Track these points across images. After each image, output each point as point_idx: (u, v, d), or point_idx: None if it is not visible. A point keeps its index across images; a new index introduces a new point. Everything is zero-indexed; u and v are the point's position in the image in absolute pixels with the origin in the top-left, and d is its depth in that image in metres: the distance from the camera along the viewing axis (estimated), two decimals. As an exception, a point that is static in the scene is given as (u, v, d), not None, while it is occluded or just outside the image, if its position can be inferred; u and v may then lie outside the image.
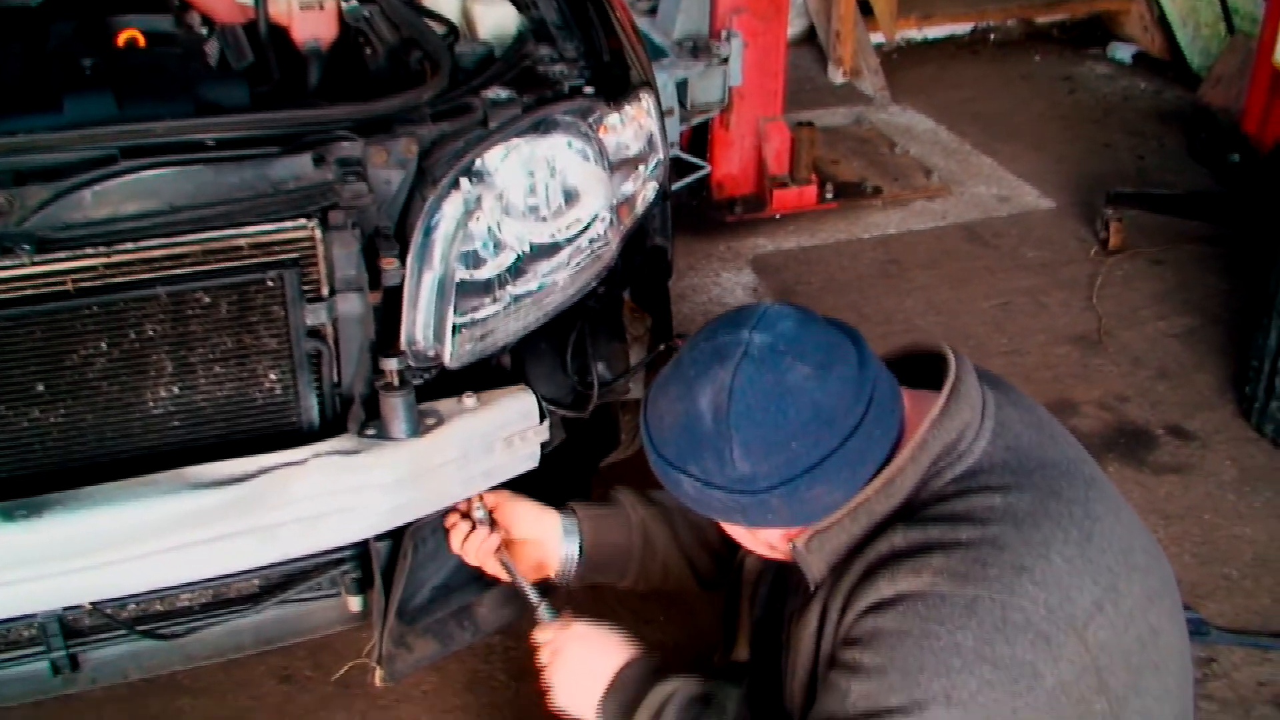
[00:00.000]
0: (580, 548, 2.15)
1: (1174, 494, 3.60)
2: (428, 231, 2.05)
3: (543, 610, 2.03)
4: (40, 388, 1.96)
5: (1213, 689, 2.92)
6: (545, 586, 2.15)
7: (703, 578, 2.22)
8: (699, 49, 4.75)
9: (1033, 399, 1.76)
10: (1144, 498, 3.57)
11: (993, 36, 7.37)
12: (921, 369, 1.70)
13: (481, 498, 2.12)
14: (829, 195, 5.32)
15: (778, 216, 5.24)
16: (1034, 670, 1.45)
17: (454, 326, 2.10)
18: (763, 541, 1.72)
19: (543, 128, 2.16)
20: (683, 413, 1.55)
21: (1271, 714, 2.86)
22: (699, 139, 5.22)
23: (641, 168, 2.40)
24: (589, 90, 2.26)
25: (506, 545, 2.15)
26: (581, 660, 1.92)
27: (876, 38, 6.87)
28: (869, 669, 1.51)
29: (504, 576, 2.13)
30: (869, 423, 1.54)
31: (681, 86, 4.73)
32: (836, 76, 6.71)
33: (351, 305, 2.05)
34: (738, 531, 1.72)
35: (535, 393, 2.19)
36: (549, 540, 2.16)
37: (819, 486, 1.54)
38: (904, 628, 1.49)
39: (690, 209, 5.25)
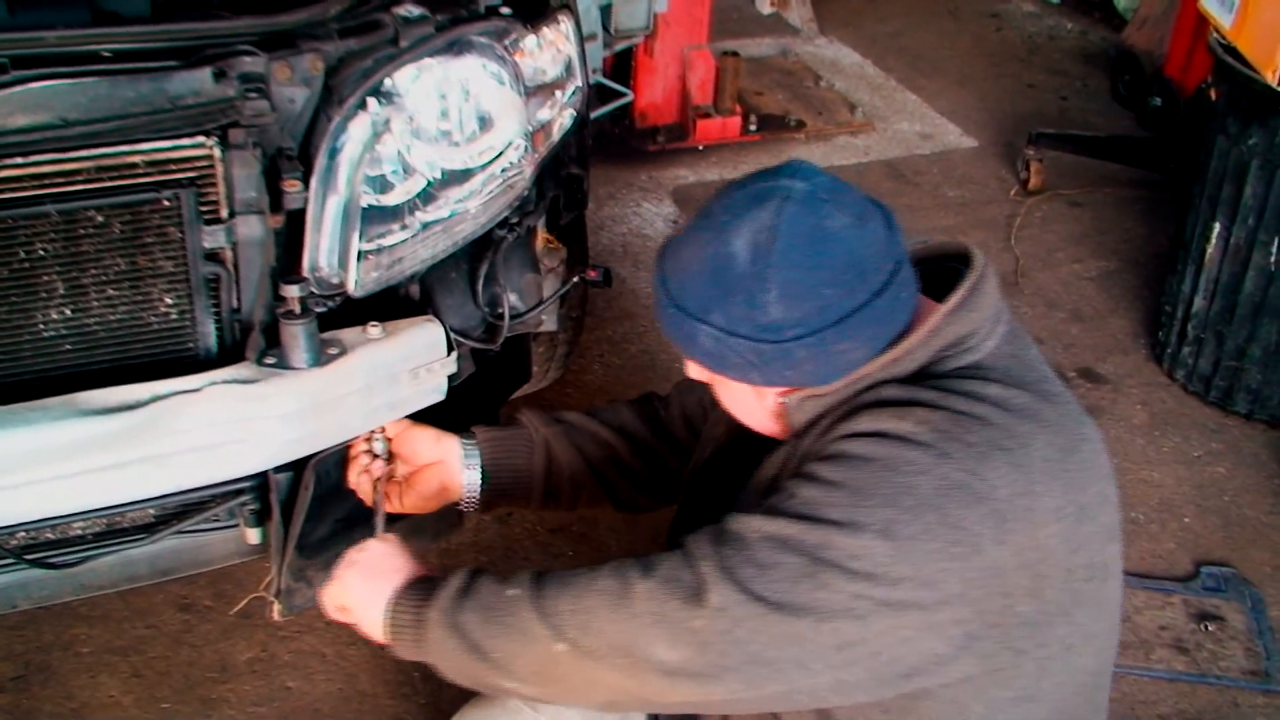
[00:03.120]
0: (482, 472, 2.09)
1: (1084, 436, 3.62)
2: (333, 154, 1.98)
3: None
4: (-77, 307, 1.88)
5: (1115, 631, 2.96)
6: (455, 516, 2.10)
7: (620, 498, 2.17)
8: (624, -28, 4.65)
9: None
10: (1055, 439, 3.58)
11: (922, -29, 7.34)
12: (941, 277, 1.67)
13: (384, 430, 2.07)
14: (752, 127, 5.27)
15: (700, 147, 5.19)
16: (976, 542, 1.44)
17: (359, 253, 2.04)
18: (767, 410, 1.67)
19: (456, 48, 2.09)
20: (713, 256, 1.52)
21: (1171, 657, 2.90)
22: (622, 65, 5.14)
23: (559, 93, 2.34)
24: (505, 11, 2.19)
25: (411, 476, 2.09)
26: (376, 561, 1.79)
27: (805, -32, 6.80)
28: (822, 479, 1.50)
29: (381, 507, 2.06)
30: (898, 283, 1.53)
31: (605, 11, 4.62)
32: (764, 6, 6.63)
33: (251, 228, 1.97)
34: (742, 396, 1.67)
35: (443, 324, 2.13)
36: (451, 465, 2.09)
37: (845, 341, 1.52)
38: (870, 454, 1.48)
39: (612, 137, 5.19)
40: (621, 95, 5.04)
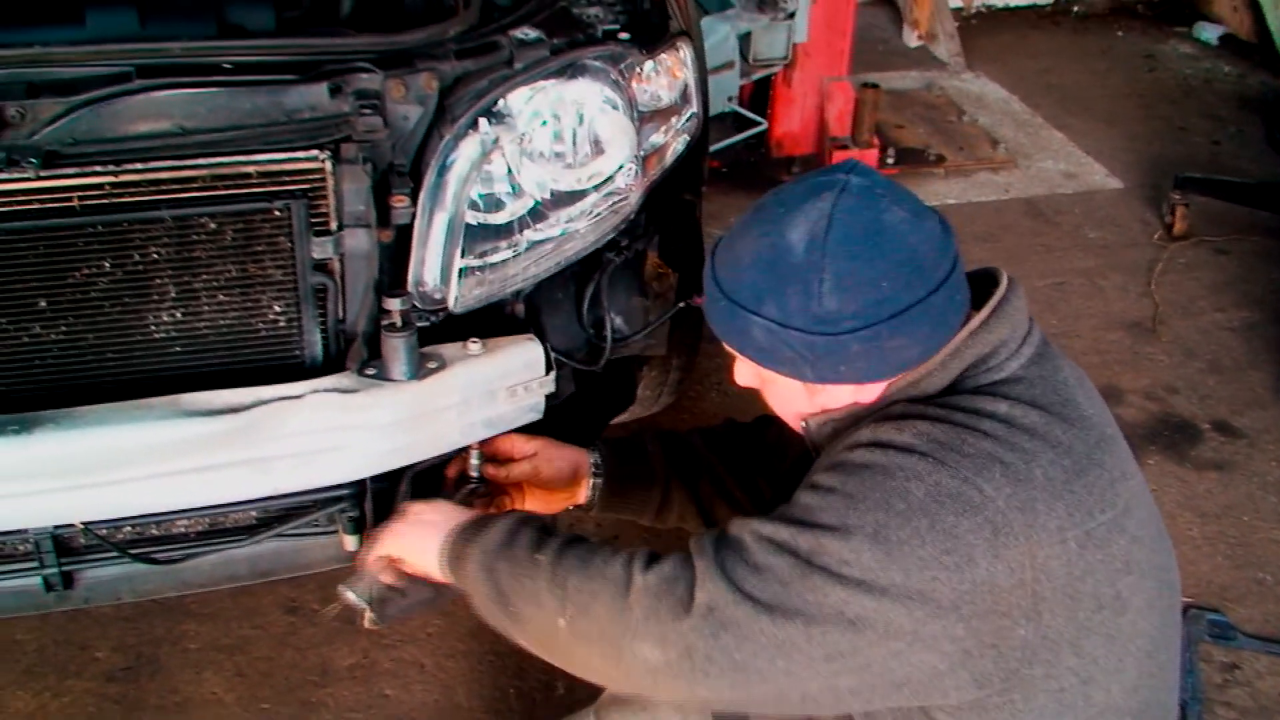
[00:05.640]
0: (601, 494, 2.13)
1: (1213, 492, 3.51)
2: (441, 171, 2.01)
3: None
4: (42, 304, 1.95)
5: (1233, 696, 2.85)
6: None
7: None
8: (765, 2, 4.64)
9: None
10: (1182, 493, 3.47)
11: (1076, 8, 7.21)
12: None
13: (480, 445, 2.09)
14: (890, 160, 5.21)
15: (835, 179, 5.14)
16: (969, 553, 1.41)
17: (462, 269, 2.06)
18: (818, 406, 1.65)
19: (570, 72, 2.10)
20: (769, 246, 1.52)
21: (1291, 726, 2.79)
22: (760, 94, 5.13)
23: (674, 119, 2.34)
24: (623, 36, 2.20)
25: (536, 488, 2.12)
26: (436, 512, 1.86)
27: (955, 1, 6.72)
28: (820, 486, 1.51)
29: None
30: (952, 282, 1.53)
31: (744, 39, 4.63)
32: (910, 39, 6.59)
33: (359, 241, 2.01)
34: (792, 395, 1.65)
35: (545, 343, 2.14)
36: (580, 491, 2.14)
37: (901, 336, 1.51)
38: (867, 462, 1.49)
39: (747, 165, 5.17)
40: (756, 124, 5.04)
